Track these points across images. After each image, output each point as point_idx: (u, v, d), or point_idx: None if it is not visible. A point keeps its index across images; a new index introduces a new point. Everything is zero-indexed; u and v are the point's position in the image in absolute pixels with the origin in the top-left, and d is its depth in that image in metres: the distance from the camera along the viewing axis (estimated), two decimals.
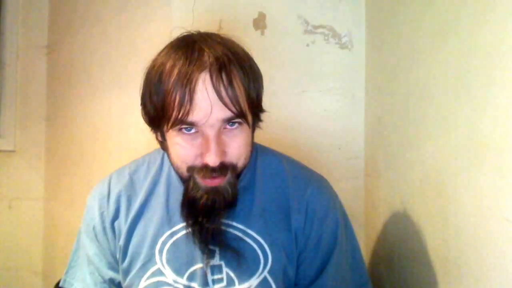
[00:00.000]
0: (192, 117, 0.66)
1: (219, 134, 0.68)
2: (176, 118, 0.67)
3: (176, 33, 0.76)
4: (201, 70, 0.66)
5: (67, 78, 1.60)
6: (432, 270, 0.86)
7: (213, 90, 0.66)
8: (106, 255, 0.82)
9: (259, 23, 1.24)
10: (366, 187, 1.24)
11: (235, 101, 0.67)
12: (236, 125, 0.70)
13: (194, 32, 0.75)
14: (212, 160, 0.67)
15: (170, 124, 0.68)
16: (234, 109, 0.67)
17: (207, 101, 0.66)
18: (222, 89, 0.66)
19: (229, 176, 0.71)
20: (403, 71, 1.02)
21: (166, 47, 0.73)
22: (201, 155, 0.69)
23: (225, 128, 0.69)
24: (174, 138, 0.70)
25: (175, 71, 0.67)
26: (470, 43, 0.74)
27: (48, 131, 1.68)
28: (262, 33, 1.24)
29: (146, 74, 0.73)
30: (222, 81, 0.66)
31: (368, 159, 1.23)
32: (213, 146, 0.67)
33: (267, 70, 1.24)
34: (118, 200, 0.81)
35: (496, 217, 0.66)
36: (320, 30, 1.25)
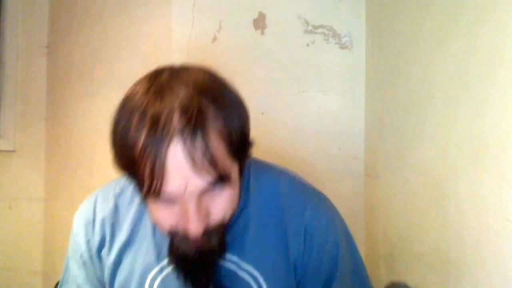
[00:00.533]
0: (165, 191, 0.59)
1: (199, 201, 0.61)
2: (148, 190, 0.59)
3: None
4: (170, 138, 0.57)
5: (67, 78, 1.60)
6: (432, 270, 0.86)
7: (187, 160, 0.57)
8: (94, 283, 0.80)
9: (259, 23, 1.23)
10: (366, 187, 1.24)
11: (213, 165, 0.59)
12: (218, 185, 0.61)
13: (165, 68, 0.65)
14: (194, 230, 0.61)
15: (143, 194, 0.61)
16: (213, 175, 0.59)
17: (181, 174, 0.58)
18: (197, 155, 0.57)
19: (215, 234, 0.65)
20: (403, 71, 1.02)
21: (131, 91, 0.63)
22: (182, 221, 0.62)
23: (206, 191, 0.61)
24: (150, 203, 0.64)
25: (141, 139, 0.57)
26: (470, 43, 0.74)
27: (48, 131, 1.68)
28: (262, 33, 1.23)
29: (112, 130, 0.63)
30: (196, 145, 0.57)
31: (368, 160, 1.23)
32: (193, 217, 0.61)
33: (267, 70, 1.26)
34: (103, 229, 0.78)
35: (496, 217, 0.66)
36: (320, 30, 1.25)
